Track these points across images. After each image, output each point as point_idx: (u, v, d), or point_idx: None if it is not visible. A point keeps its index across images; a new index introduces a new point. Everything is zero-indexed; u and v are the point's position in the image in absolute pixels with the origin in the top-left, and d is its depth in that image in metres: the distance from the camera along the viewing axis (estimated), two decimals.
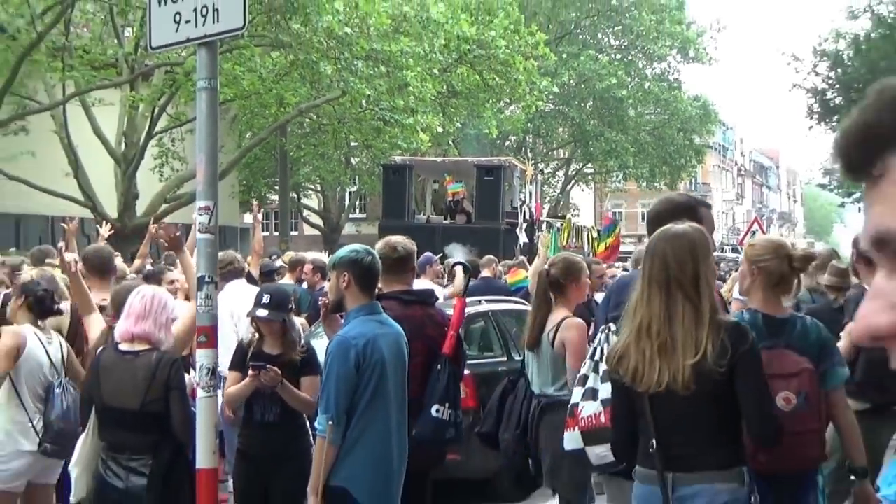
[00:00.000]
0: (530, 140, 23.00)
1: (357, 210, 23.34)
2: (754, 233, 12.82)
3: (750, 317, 2.39)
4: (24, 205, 13.05)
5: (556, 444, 2.92)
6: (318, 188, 20.96)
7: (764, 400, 2.04)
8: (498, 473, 4.84)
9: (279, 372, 3.03)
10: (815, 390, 2.27)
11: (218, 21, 2.44)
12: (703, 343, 1.94)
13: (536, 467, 3.42)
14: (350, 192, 22.21)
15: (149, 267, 5.55)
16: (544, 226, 12.51)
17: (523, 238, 11.24)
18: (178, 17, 2.51)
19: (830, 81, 18.00)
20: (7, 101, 10.78)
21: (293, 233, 20.47)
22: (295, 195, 20.24)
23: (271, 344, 3.26)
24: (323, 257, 6.73)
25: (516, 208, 11.71)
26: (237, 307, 4.03)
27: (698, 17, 29.70)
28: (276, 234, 17.90)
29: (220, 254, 3.64)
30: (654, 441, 2.04)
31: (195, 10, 2.45)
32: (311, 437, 3.04)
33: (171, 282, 4.50)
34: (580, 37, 22.49)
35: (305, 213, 22.10)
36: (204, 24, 2.46)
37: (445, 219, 11.51)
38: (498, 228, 10.66)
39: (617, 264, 9.63)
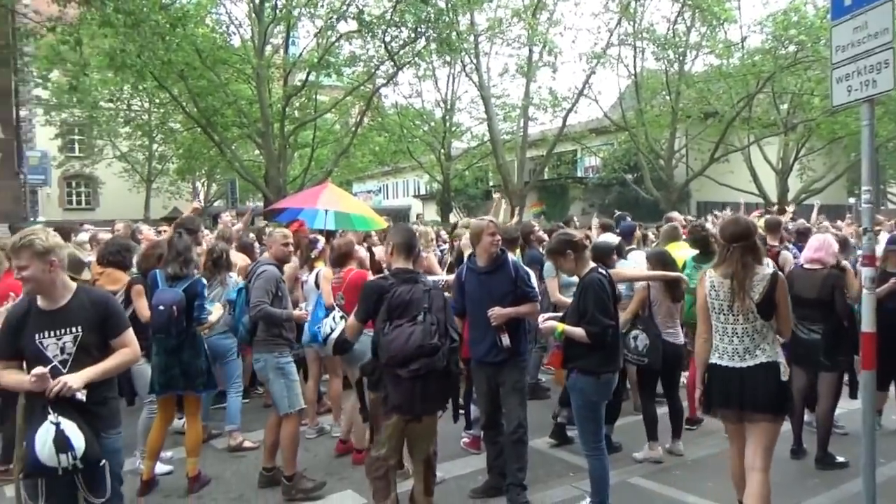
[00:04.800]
0: None
1: None
2: None
3: None
4: (724, 196, 24.42)
5: None
6: None
7: None
8: None
9: None
10: None
11: (875, 86, 3.71)
12: None
13: None
14: None
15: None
16: None
17: None
18: (849, 88, 3.92)
19: None
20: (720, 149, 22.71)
21: None
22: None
23: None
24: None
25: None
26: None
27: None
28: None
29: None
30: None
31: (860, 82, 3.80)
32: None
33: None
34: None
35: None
36: (866, 89, 3.79)
37: None
38: None
39: None
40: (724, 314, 3.65)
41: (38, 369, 2.89)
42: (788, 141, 23.20)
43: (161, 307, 4.55)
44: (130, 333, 3.19)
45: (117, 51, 14.05)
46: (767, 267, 3.65)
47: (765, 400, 3.56)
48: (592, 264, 4.25)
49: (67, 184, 33.15)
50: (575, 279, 5.83)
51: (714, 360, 3.72)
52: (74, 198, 33.84)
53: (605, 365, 4.07)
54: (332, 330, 4.95)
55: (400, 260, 3.81)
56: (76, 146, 29.24)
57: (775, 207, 11.71)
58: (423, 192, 36.39)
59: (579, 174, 29.43)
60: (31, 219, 17.42)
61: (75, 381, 2.92)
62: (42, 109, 23.70)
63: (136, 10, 12.51)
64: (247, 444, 5.69)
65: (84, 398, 2.95)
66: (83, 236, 8.07)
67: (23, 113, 16.84)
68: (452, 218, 25.16)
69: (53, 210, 29.93)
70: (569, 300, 5.68)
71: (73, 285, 3.13)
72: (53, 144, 26.84)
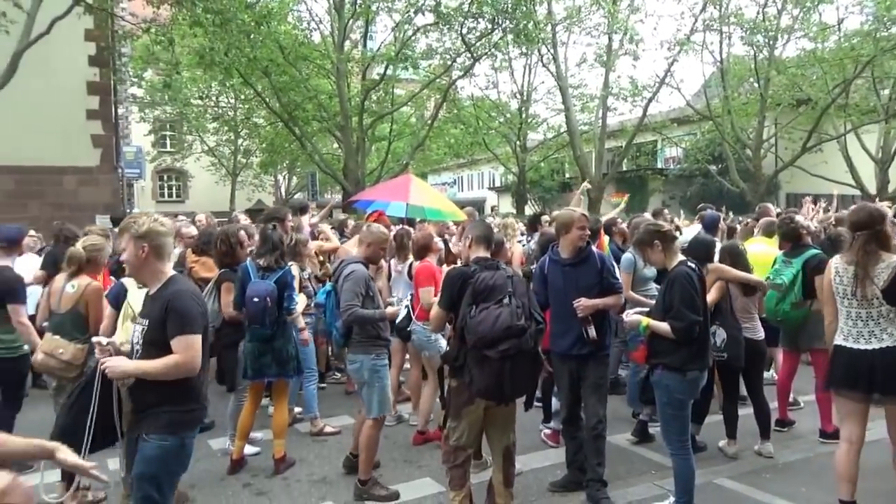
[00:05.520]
0: None
1: None
2: None
3: None
4: (817, 187, 23.14)
5: None
6: None
7: None
8: None
9: None
10: None
11: None
12: None
13: None
14: None
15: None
16: None
17: None
18: None
19: None
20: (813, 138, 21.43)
21: None
22: None
23: None
24: None
25: None
26: None
27: None
28: None
29: None
30: None
31: None
32: None
33: None
34: None
35: None
36: None
37: None
38: None
39: None
40: (847, 299, 3.77)
41: (100, 338, 2.99)
42: (890, 128, 21.72)
43: (256, 299, 4.69)
44: (187, 340, 2.84)
45: (207, 49, 14.65)
46: None
47: (893, 382, 3.62)
48: (681, 257, 4.11)
49: (160, 177, 35.03)
50: (650, 273, 5.76)
51: (839, 341, 3.82)
52: (166, 190, 35.74)
53: (691, 362, 3.92)
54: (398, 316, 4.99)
55: (479, 250, 3.87)
56: (168, 142, 30.78)
57: (885, 203, 10.89)
58: (497, 184, 36.29)
59: (659, 165, 28.58)
60: (128, 211, 18.46)
61: (116, 365, 2.83)
62: (137, 107, 25.02)
63: (224, 9, 12.99)
64: (328, 429, 5.84)
65: (121, 387, 2.89)
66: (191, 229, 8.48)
67: (120, 111, 17.82)
68: (528, 210, 24.96)
69: (147, 202, 31.63)
70: (640, 297, 5.59)
71: (166, 276, 3.02)
72: (147, 140, 28.33)
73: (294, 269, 5.39)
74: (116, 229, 7.67)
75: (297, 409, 6.07)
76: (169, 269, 3.07)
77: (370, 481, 4.55)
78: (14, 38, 10.40)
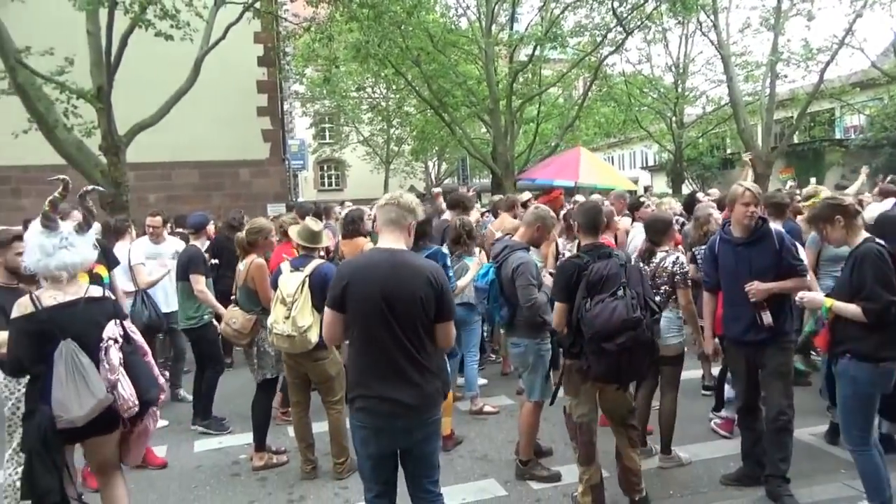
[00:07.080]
0: None
1: None
2: None
3: None
4: None
5: None
6: None
7: None
8: None
9: None
10: None
11: None
12: None
13: None
14: None
15: None
16: None
17: None
18: None
19: None
20: None
21: None
22: None
23: None
24: None
25: None
26: None
27: None
28: None
29: None
30: None
31: None
32: None
33: None
34: None
35: None
36: None
37: None
38: None
39: None
40: None
41: None
42: None
43: None
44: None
45: (363, 42, 15.29)
46: None
47: None
48: (866, 234, 3.67)
49: (320, 167, 37.41)
50: (842, 252, 5.17)
51: None
52: (326, 180, 38.13)
53: (885, 349, 3.48)
54: None
55: (587, 237, 3.87)
56: (327, 133, 32.66)
57: None
58: (651, 162, 34.79)
59: (838, 136, 25.84)
60: (294, 199, 19.86)
61: None
62: (299, 102, 26.74)
63: (378, 2, 13.45)
64: (487, 408, 5.91)
65: None
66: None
67: (285, 106, 19.12)
68: (685, 189, 23.68)
69: (309, 191, 33.86)
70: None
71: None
72: (308, 133, 30.25)
73: (475, 262, 5.46)
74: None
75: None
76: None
77: (531, 462, 4.58)
78: (196, 45, 11.43)
